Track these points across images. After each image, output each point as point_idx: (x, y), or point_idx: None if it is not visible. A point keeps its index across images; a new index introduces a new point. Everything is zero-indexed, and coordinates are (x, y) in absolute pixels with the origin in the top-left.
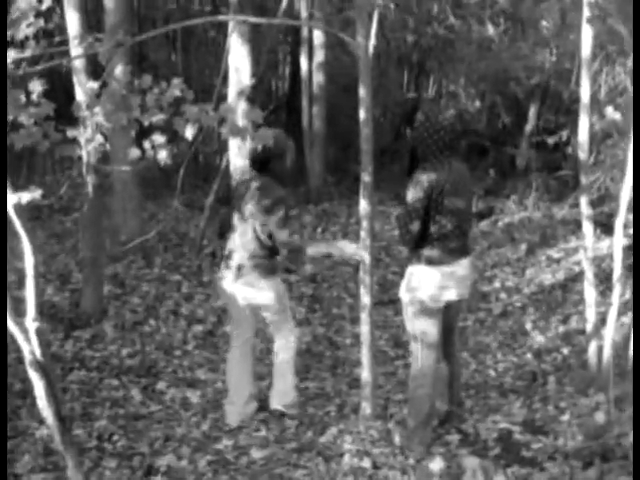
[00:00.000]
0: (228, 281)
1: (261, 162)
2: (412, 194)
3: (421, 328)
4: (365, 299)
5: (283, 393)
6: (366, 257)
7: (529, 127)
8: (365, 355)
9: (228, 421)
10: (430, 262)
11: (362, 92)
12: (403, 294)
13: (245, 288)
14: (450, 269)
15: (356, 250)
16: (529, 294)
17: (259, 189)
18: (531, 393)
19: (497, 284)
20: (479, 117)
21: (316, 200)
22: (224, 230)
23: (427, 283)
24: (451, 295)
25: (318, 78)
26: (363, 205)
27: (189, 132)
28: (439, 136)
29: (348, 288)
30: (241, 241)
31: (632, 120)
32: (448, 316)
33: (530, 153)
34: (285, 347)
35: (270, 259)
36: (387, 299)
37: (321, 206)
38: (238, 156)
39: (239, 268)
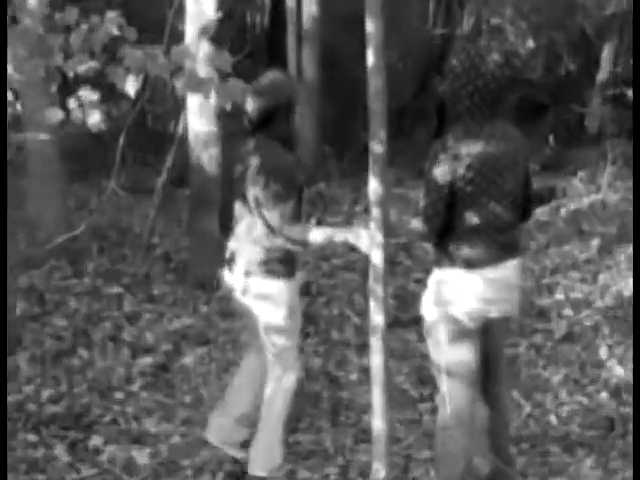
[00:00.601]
0: (236, 292)
1: (263, 120)
2: (437, 170)
3: (453, 357)
4: (377, 318)
5: (268, 452)
6: (377, 259)
7: (602, 75)
8: (377, 396)
9: (206, 435)
10: (469, 264)
11: (370, 27)
12: (428, 310)
13: (255, 302)
14: (494, 274)
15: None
16: (604, 309)
17: (263, 163)
18: (607, 448)
19: (559, 295)
20: (533, 62)
21: (308, 179)
22: (226, 222)
23: (464, 294)
24: (495, 311)
25: (309, 8)
26: (373, 186)
27: (131, 86)
28: (477, 88)
29: (354, 303)
30: (248, 239)
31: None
32: (491, 340)
33: (604, 112)
34: (282, 387)
35: (288, 263)
36: (407, 318)
37: (315, 188)
38: (199, 119)
39: (247, 275)
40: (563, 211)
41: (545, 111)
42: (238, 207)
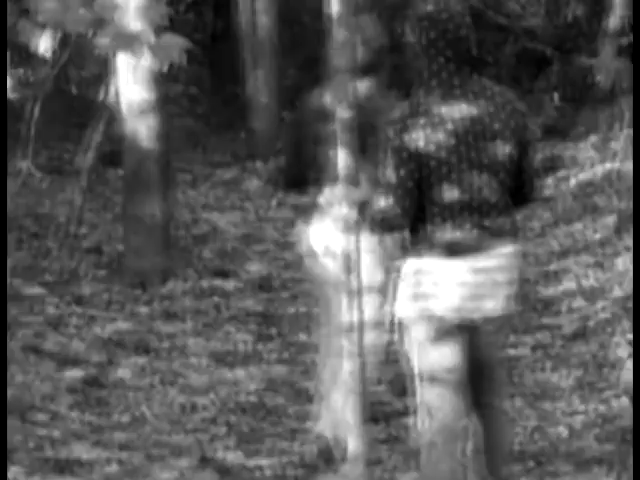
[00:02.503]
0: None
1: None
2: (408, 136)
3: (436, 361)
4: (348, 316)
5: None
6: (351, 245)
7: (614, 21)
8: (351, 410)
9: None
10: (451, 250)
11: None
12: (404, 306)
13: None
14: (482, 262)
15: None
16: (622, 299)
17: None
18: (628, 463)
19: (569, 284)
20: (532, 6)
21: (265, 153)
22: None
23: (447, 285)
24: (487, 306)
25: None
26: (341, 157)
27: (45, 45)
28: (456, 38)
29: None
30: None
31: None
32: (481, 341)
33: (617, 64)
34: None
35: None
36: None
37: (273, 162)
38: (132, 84)
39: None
40: (572, 183)
41: (547, 65)
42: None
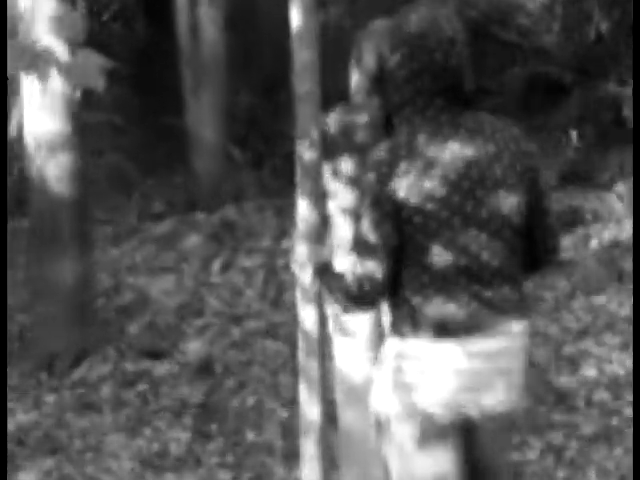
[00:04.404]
0: None
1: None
2: (392, 185)
3: (423, 469)
4: (311, 411)
5: None
6: (310, 322)
7: None
8: None
9: None
10: (442, 329)
11: None
12: (384, 400)
13: None
14: (480, 345)
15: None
16: None
17: None
18: None
19: (589, 371)
20: (547, 21)
21: (209, 202)
22: None
23: (437, 375)
24: (487, 400)
25: None
26: (303, 210)
27: None
28: (438, 68)
29: (279, 387)
30: None
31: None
32: (481, 444)
33: None
34: None
35: None
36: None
37: (220, 214)
38: (40, 112)
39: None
40: (594, 243)
41: (564, 93)
42: None
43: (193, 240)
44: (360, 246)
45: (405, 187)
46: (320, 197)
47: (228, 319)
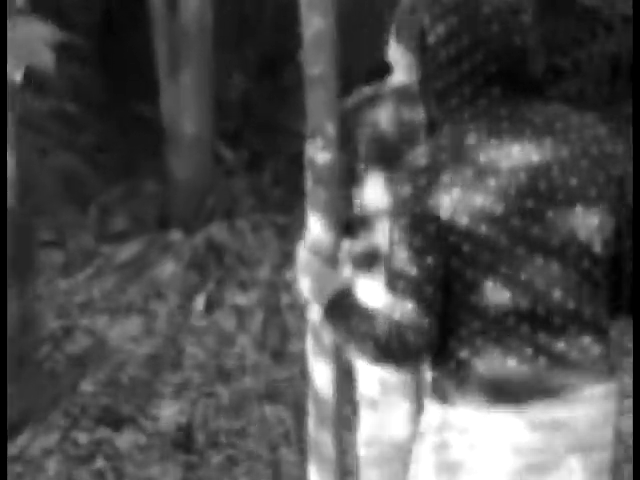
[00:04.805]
0: None
1: None
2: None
3: None
4: None
5: None
6: (320, 375)
7: None
8: None
9: None
10: (498, 393)
11: None
12: None
13: None
14: (554, 412)
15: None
16: None
17: None
18: None
19: None
20: None
21: (190, 219)
22: None
23: (491, 451)
24: None
25: None
26: (314, 227)
27: None
28: (496, 47)
29: (280, 466)
30: None
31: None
32: None
33: None
34: None
35: None
36: None
37: (204, 233)
38: None
39: None
40: None
41: None
42: None
43: (168, 269)
44: (397, 283)
45: (449, 205)
46: (336, 211)
47: (214, 375)
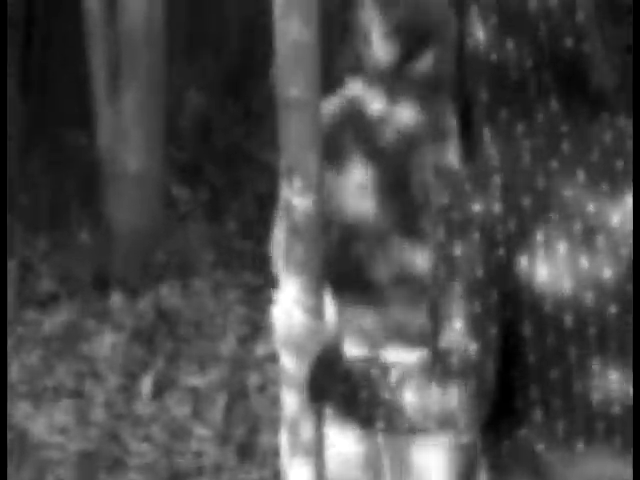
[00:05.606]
0: None
1: None
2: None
3: None
4: None
5: None
6: (300, 476)
7: None
8: None
9: None
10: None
11: None
12: None
13: None
14: None
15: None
16: None
17: None
18: None
19: None
20: None
21: (134, 278)
22: None
23: None
24: None
25: None
26: (289, 291)
27: None
28: (549, 52)
29: None
30: None
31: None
32: None
33: None
34: None
35: None
36: None
37: (151, 297)
38: None
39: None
40: None
41: None
42: None
43: (107, 341)
44: (441, 368)
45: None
46: (322, 274)
47: (165, 478)
